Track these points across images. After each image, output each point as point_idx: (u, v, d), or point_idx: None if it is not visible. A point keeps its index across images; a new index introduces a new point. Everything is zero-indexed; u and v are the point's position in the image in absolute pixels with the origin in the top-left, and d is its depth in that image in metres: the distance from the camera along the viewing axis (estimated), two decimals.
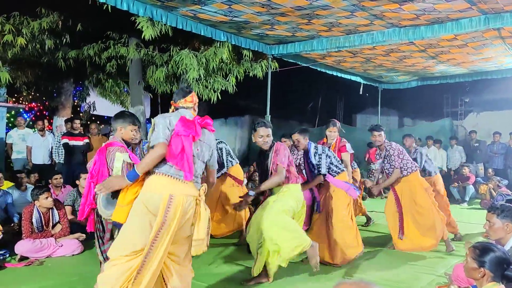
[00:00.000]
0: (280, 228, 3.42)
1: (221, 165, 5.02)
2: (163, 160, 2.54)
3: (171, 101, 2.83)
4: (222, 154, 5.07)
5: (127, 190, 2.60)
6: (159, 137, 2.52)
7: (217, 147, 4.94)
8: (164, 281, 2.62)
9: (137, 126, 3.31)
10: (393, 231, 4.88)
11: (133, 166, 2.83)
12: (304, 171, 4.48)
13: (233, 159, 5.28)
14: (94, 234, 3.65)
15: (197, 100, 2.87)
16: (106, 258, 3.04)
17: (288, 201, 3.56)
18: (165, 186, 2.51)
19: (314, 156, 4.35)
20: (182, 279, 2.64)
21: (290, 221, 3.51)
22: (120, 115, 3.32)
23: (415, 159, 5.30)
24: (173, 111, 2.77)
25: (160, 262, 2.49)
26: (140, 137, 3.53)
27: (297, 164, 4.41)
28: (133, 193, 2.58)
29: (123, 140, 3.23)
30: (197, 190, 2.62)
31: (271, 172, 3.57)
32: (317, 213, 4.39)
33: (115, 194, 2.71)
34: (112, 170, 3.10)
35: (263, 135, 3.61)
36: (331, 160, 4.37)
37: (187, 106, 2.76)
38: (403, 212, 4.77)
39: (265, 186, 3.60)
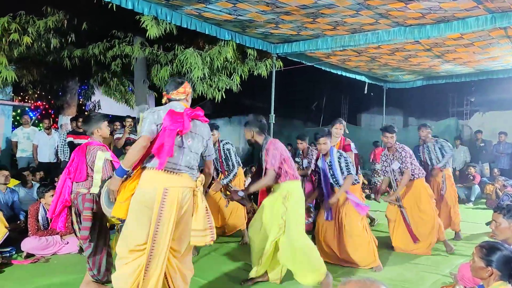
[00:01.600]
0: (301, 254, 3.32)
1: (231, 166, 4.93)
2: (153, 155, 2.56)
3: (163, 92, 2.84)
4: (230, 155, 4.95)
5: (125, 187, 2.63)
6: (142, 131, 2.57)
7: (224, 148, 4.94)
8: (167, 280, 2.62)
9: (107, 120, 3.43)
10: (393, 235, 4.87)
11: (114, 163, 3.01)
12: (319, 176, 4.35)
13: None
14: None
15: (190, 91, 2.86)
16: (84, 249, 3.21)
17: (299, 212, 3.45)
18: (159, 180, 2.53)
19: (339, 159, 4.20)
20: (183, 277, 2.67)
21: (311, 247, 3.41)
22: (90, 119, 3.42)
23: (441, 150, 5.38)
24: (166, 103, 2.79)
25: (164, 258, 2.52)
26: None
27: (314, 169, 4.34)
28: (130, 190, 2.61)
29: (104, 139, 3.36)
30: (193, 182, 2.65)
31: (265, 172, 3.47)
32: (327, 220, 4.25)
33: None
34: (92, 168, 3.19)
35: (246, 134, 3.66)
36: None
37: (179, 98, 2.76)
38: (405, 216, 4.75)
39: (253, 188, 3.57)
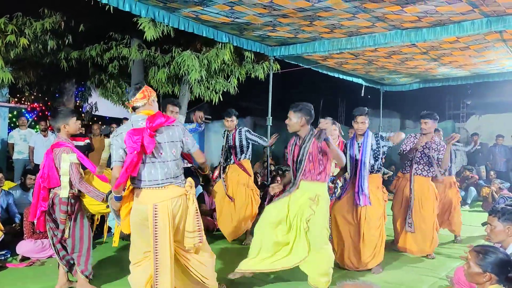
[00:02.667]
0: (320, 258, 3.30)
1: (261, 142, 4.99)
2: (133, 176, 2.67)
3: (126, 102, 2.87)
4: (251, 136, 4.97)
5: (122, 205, 2.79)
6: (113, 160, 2.69)
7: (241, 134, 4.95)
8: (190, 271, 2.78)
9: (76, 116, 3.33)
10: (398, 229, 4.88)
11: (83, 163, 3.17)
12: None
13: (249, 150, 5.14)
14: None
15: (153, 93, 2.82)
16: (58, 253, 3.28)
17: (326, 216, 3.39)
18: (147, 197, 2.66)
19: (373, 146, 4.05)
20: (204, 262, 2.81)
21: (331, 254, 3.40)
22: (57, 113, 3.30)
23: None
24: (131, 112, 2.83)
25: (171, 261, 2.63)
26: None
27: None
28: (126, 208, 2.78)
29: (72, 135, 3.34)
30: (182, 188, 2.71)
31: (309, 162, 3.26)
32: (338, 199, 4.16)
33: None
34: (60, 172, 3.18)
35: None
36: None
37: (140, 104, 2.74)
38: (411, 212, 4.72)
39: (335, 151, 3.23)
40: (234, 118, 5.03)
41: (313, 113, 3.38)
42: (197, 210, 2.74)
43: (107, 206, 3.24)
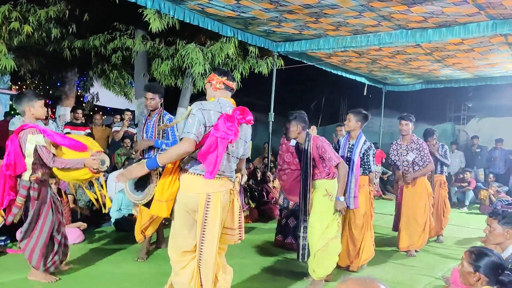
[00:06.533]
0: (326, 249, 3.43)
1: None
2: (194, 158, 2.44)
3: (214, 74, 2.62)
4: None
5: (164, 185, 2.49)
6: (190, 132, 2.37)
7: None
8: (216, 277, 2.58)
9: (43, 100, 3.21)
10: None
11: (53, 139, 2.94)
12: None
13: None
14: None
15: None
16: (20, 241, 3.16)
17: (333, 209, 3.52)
18: (200, 186, 2.44)
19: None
20: (224, 270, 2.62)
21: (339, 246, 3.54)
22: (22, 95, 3.18)
23: (445, 155, 5.55)
24: (211, 88, 2.59)
25: (215, 258, 2.49)
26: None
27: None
28: (171, 192, 2.48)
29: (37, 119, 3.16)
30: (232, 183, 2.58)
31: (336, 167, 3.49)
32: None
33: (142, 178, 2.62)
34: (25, 154, 3.03)
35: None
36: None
37: (228, 88, 2.60)
38: (401, 211, 4.87)
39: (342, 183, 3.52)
40: None
41: (307, 120, 3.60)
42: (240, 207, 2.63)
43: (97, 172, 3.14)
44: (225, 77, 2.60)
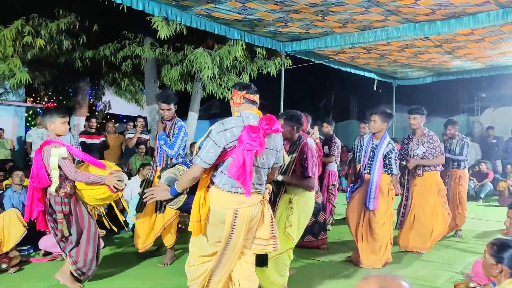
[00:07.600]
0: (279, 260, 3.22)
1: None
2: (223, 172, 2.42)
3: (234, 89, 2.62)
4: None
5: (199, 205, 2.48)
6: (204, 158, 2.37)
7: None
8: (233, 282, 2.60)
9: (67, 117, 3.30)
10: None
11: (74, 154, 3.10)
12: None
13: None
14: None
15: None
16: (63, 250, 3.28)
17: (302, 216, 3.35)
18: (228, 201, 2.43)
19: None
20: (249, 277, 2.60)
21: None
22: (46, 112, 3.33)
23: (462, 148, 5.36)
24: (235, 103, 2.57)
25: (231, 265, 2.55)
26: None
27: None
28: (204, 212, 2.47)
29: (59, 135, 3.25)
30: (261, 195, 2.55)
31: (305, 174, 3.29)
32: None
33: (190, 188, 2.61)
34: (50, 167, 3.13)
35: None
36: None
37: (253, 101, 2.55)
38: (411, 207, 4.67)
39: (291, 181, 3.30)
40: None
41: (302, 121, 3.48)
42: (272, 217, 2.59)
43: (117, 190, 3.24)
44: (245, 91, 2.58)
